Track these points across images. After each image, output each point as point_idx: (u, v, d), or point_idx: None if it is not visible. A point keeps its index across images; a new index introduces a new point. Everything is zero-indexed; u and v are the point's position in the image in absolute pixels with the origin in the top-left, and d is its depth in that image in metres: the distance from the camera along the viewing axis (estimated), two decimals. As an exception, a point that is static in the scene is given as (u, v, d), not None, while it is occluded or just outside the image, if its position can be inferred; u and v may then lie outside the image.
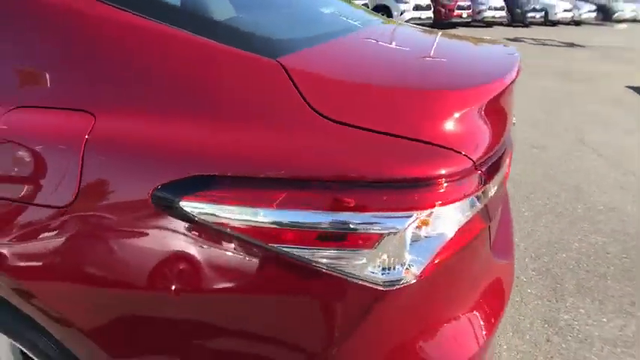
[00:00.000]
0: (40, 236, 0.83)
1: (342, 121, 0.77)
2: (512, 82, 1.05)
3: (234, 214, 0.73)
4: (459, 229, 0.80)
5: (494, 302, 0.95)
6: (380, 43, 1.17)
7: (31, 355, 1.00)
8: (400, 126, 0.77)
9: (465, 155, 0.78)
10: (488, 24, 16.48)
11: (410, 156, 0.75)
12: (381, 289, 0.74)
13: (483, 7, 15.63)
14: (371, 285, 0.74)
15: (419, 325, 0.81)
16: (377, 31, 1.30)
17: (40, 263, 0.84)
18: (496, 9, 15.96)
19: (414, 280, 0.76)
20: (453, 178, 0.76)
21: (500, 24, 16.81)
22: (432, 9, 14.21)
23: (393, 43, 1.21)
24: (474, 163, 0.80)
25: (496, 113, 0.97)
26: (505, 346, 1.82)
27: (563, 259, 2.42)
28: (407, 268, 0.76)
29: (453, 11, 14.70)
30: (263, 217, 0.73)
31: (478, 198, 0.83)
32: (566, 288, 2.19)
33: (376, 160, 0.74)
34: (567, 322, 1.97)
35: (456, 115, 0.82)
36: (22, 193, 0.85)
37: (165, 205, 0.75)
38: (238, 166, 0.74)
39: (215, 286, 0.76)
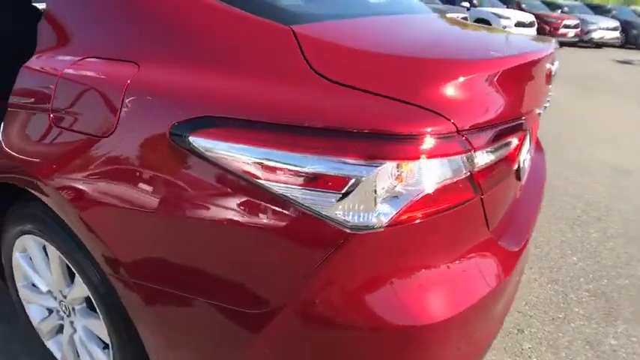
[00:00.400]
0: (87, 159, 1.02)
1: (334, 79, 0.87)
2: (528, 65, 1.07)
3: (229, 150, 0.85)
4: (434, 190, 0.85)
5: (474, 282, 0.97)
6: (399, 25, 1.24)
7: (73, 270, 1.20)
8: (384, 87, 0.85)
9: (446, 118, 0.84)
10: (597, 45, 15.34)
11: (388, 112, 0.83)
12: (348, 231, 0.82)
13: (593, 27, 14.59)
14: (338, 227, 0.82)
15: (381, 275, 0.87)
16: (407, 18, 1.37)
17: (84, 183, 1.03)
18: (608, 29, 14.82)
19: (381, 229, 0.83)
20: (428, 137, 0.82)
21: (612, 45, 15.58)
22: (536, 26, 13.57)
23: (413, 26, 1.28)
24: (457, 128, 0.85)
25: (505, 92, 1.00)
26: (535, 359, 1.76)
27: (625, 285, 2.26)
28: (375, 217, 0.83)
29: (558, 29, 13.90)
30: (252, 154, 0.85)
31: (460, 164, 0.87)
32: (620, 314, 2.05)
33: (356, 113, 0.82)
34: (613, 347, 1.85)
35: (446, 82, 0.88)
36: (77, 123, 1.05)
37: (178, 139, 0.90)
38: (239, 111, 0.87)
39: (206, 211, 0.89)
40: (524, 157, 1.36)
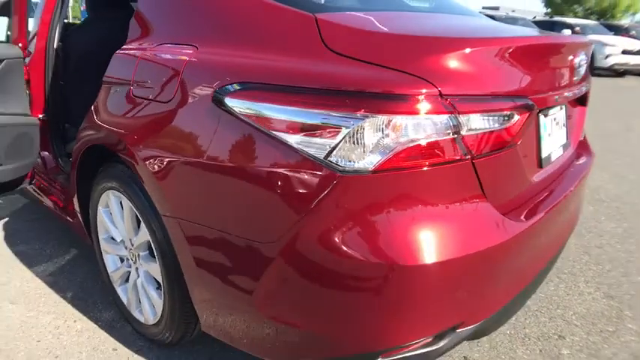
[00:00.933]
0: (152, 121, 1.32)
1: (341, 52, 1.07)
2: (530, 48, 1.19)
3: (254, 108, 1.09)
4: (419, 144, 1.01)
5: (462, 238, 1.07)
6: (418, 18, 1.42)
7: (140, 218, 1.49)
8: (381, 58, 1.04)
9: (431, 84, 1.00)
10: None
11: (380, 77, 1.01)
12: (339, 174, 1.00)
13: None
14: (332, 170, 1.01)
15: (366, 215, 1.02)
16: (434, 15, 1.54)
17: (150, 140, 1.33)
18: None
19: (368, 174, 1.00)
20: (412, 97, 0.98)
21: None
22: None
23: (432, 19, 1.44)
24: (441, 92, 1.01)
25: (501, 70, 1.14)
26: (573, 364, 1.74)
27: (694, 310, 2.11)
28: (363, 163, 1.00)
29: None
30: (272, 111, 1.07)
31: (444, 124, 1.02)
32: (682, 336, 1.93)
33: (355, 77, 1.02)
34: (664, 365, 1.77)
35: (434, 55, 1.04)
36: (148, 93, 1.36)
37: (218, 101, 1.15)
38: (264, 77, 1.11)
39: (233, 158, 1.13)
40: (549, 146, 1.44)
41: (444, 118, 1.02)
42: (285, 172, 1.06)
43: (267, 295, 1.15)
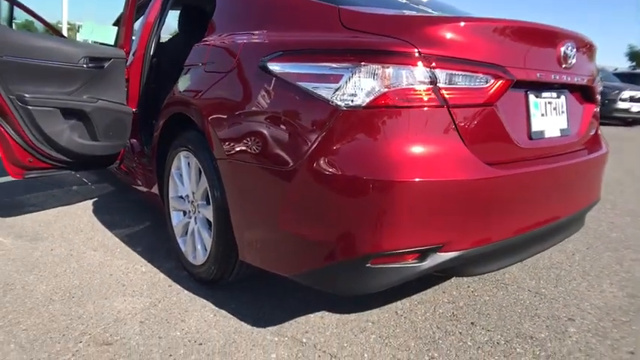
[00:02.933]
0: (217, 88, 1.84)
1: (352, 28, 1.53)
2: (510, 28, 1.58)
3: (287, 67, 1.57)
4: (402, 88, 1.41)
5: (438, 167, 1.43)
6: (420, 8, 1.86)
7: (202, 170, 1.99)
8: (379, 29, 1.48)
9: (413, 45, 1.42)
10: None
11: (376, 40, 1.45)
12: (341, 110, 1.43)
13: None
14: (336, 107, 1.44)
15: (358, 143, 1.42)
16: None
17: (214, 101, 1.86)
18: None
19: (362, 109, 1.41)
20: (397, 53, 1.41)
21: None
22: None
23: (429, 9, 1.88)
24: (420, 51, 1.42)
25: (480, 44, 1.53)
26: (575, 339, 1.93)
27: None
28: (355, 101, 1.42)
29: None
30: (297, 68, 1.54)
31: (422, 74, 1.42)
32: None
33: (358, 41, 1.47)
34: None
35: (417, 27, 1.46)
36: (216, 68, 1.90)
37: (263, 67, 1.64)
38: (295, 46, 1.59)
39: (270, 107, 1.60)
40: (541, 124, 1.77)
41: (420, 70, 1.42)
42: (305, 112, 1.51)
43: (287, 212, 1.57)
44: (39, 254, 2.43)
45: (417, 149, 1.44)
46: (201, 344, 1.76)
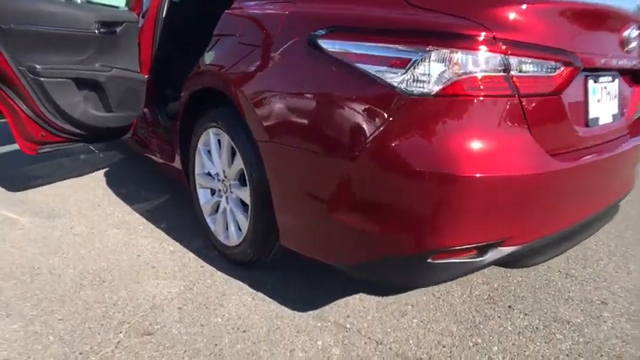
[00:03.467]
0: (255, 62, 1.72)
1: (418, 5, 1.41)
2: (581, 12, 1.47)
3: (343, 46, 1.45)
4: (474, 76, 1.32)
5: (506, 160, 1.36)
6: None
7: (236, 149, 1.89)
8: (449, 8, 1.36)
9: (487, 28, 1.32)
10: None
11: (446, 21, 1.34)
12: (409, 97, 1.33)
13: None
14: (403, 93, 1.34)
15: (424, 133, 1.34)
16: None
17: (253, 78, 1.73)
18: None
19: (430, 97, 1.32)
20: (470, 36, 1.30)
21: None
22: None
23: None
24: (494, 35, 1.32)
25: (551, 26, 1.43)
26: (611, 324, 1.95)
27: None
28: (425, 88, 1.32)
29: None
30: (356, 48, 1.42)
31: (496, 61, 1.32)
32: None
33: (426, 21, 1.35)
34: None
35: (492, 7, 1.35)
36: (254, 40, 1.77)
37: (313, 44, 1.52)
38: (353, 23, 1.47)
39: (322, 87, 1.49)
40: (597, 110, 1.70)
41: (496, 57, 1.33)
42: (364, 97, 1.41)
43: (341, 203, 1.50)
44: (59, 233, 2.34)
45: (487, 142, 1.36)
46: (245, 331, 1.72)
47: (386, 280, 1.60)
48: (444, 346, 1.73)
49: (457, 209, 1.35)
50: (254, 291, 1.95)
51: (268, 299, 1.91)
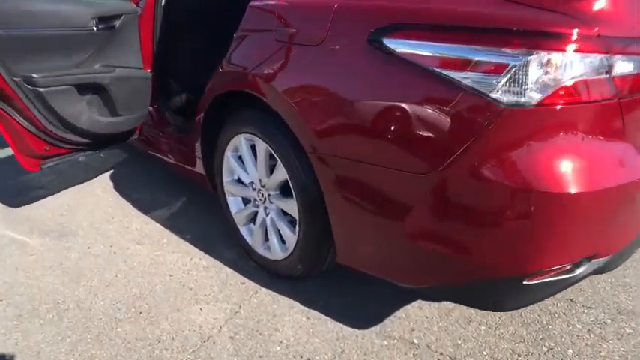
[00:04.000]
0: (300, 63, 1.50)
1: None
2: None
3: (416, 47, 1.24)
4: (577, 81, 1.14)
5: (606, 172, 1.21)
6: None
7: (278, 159, 1.69)
8: (545, 2, 1.16)
9: (589, 25, 1.13)
10: None
11: (545, 18, 1.14)
12: (504, 108, 1.15)
13: None
14: (497, 104, 1.15)
15: (521, 149, 1.17)
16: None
17: (298, 82, 1.52)
18: None
19: (530, 107, 1.14)
20: (572, 36, 1.11)
21: None
22: None
23: None
24: (598, 33, 1.13)
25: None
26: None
27: None
28: (525, 97, 1.14)
29: None
30: (436, 49, 1.22)
31: (599, 63, 1.14)
32: None
33: (521, 18, 1.15)
34: None
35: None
36: (292, 37, 1.55)
37: (375, 43, 1.31)
38: (429, 19, 1.25)
39: (391, 94, 1.29)
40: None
41: (599, 58, 1.15)
42: (448, 107, 1.22)
43: (420, 224, 1.33)
44: (76, 256, 2.13)
45: (592, 153, 1.20)
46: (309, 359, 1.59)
47: (471, 304, 1.47)
48: (519, 355, 1.62)
49: (564, 228, 1.21)
50: (306, 308, 1.81)
51: (324, 317, 1.76)
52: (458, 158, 1.21)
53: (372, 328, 1.72)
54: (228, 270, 2.02)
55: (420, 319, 1.76)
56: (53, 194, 2.63)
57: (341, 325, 1.73)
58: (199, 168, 2.19)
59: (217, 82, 1.87)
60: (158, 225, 2.35)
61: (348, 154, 1.41)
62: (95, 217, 2.42)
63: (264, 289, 1.91)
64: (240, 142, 1.86)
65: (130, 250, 2.16)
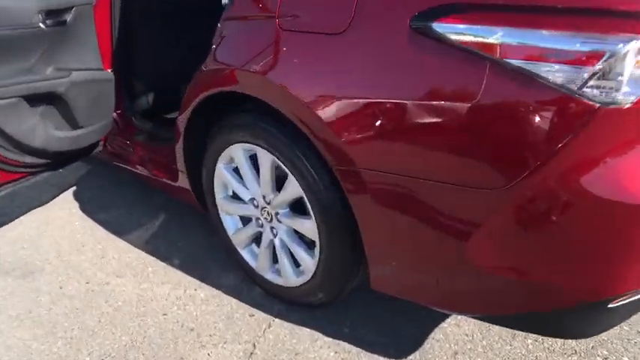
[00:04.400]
0: (318, 57, 1.21)
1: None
2: None
3: (475, 32, 0.98)
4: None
5: None
6: None
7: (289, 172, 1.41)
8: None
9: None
10: None
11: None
12: (597, 106, 0.92)
13: None
14: (588, 101, 0.92)
15: (623, 154, 0.96)
16: None
17: (315, 80, 1.23)
18: None
19: (628, 106, 0.91)
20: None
21: None
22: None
23: None
24: None
25: None
26: None
27: None
28: (623, 93, 0.91)
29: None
30: (506, 36, 0.96)
31: None
32: None
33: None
34: None
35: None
36: (305, 25, 1.25)
37: (420, 27, 1.04)
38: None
39: (446, 90, 1.04)
40: None
41: None
42: (522, 107, 0.97)
43: (491, 247, 1.10)
44: (48, 299, 1.78)
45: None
46: (348, 406, 1.35)
47: (546, 333, 1.26)
48: (575, 368, 1.45)
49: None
50: (332, 340, 1.56)
51: (354, 349, 1.52)
52: (539, 169, 0.98)
53: (411, 357, 1.50)
54: (232, 301, 1.74)
55: (461, 339, 1.55)
56: (11, 222, 2.22)
57: (376, 357, 1.50)
58: (183, 182, 1.88)
59: (203, 82, 1.55)
60: (138, 251, 2.03)
61: (392, 168, 1.15)
62: (63, 246, 2.07)
63: (277, 320, 1.64)
64: (238, 152, 1.57)
65: (110, 286, 1.83)
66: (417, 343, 1.54)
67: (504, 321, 1.24)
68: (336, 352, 1.51)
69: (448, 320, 1.62)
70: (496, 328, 1.58)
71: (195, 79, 1.60)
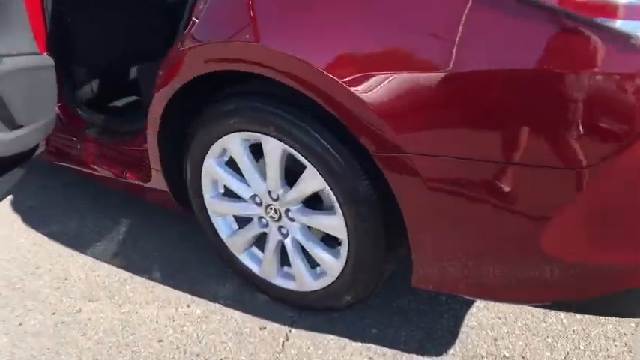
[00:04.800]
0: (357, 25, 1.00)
1: None
2: None
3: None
4: None
5: None
6: None
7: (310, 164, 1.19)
8: None
9: None
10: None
11: None
12: None
13: None
14: None
15: None
16: None
17: (351, 57, 1.01)
18: None
19: None
20: None
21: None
22: None
23: None
24: None
25: None
26: None
27: None
28: None
29: None
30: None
31: None
32: None
33: None
34: None
35: None
36: None
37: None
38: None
39: (513, 55, 0.87)
40: None
41: None
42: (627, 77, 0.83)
43: (565, 232, 0.96)
44: (7, 341, 1.44)
45: None
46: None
47: (623, 314, 1.17)
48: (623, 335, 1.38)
49: None
50: (361, 344, 1.39)
51: (389, 351, 1.36)
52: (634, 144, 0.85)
53: (452, 351, 1.36)
54: (234, 313, 1.50)
55: (495, 322, 1.44)
56: None
57: (414, 356, 1.35)
58: (158, 183, 1.58)
59: (185, 64, 1.26)
60: (108, 266, 1.71)
61: (452, 151, 0.97)
62: (12, 270, 1.70)
63: (294, 329, 1.44)
64: (234, 143, 1.31)
65: (83, 314, 1.53)
66: (452, 334, 1.41)
67: (576, 306, 1.14)
68: (370, 359, 1.35)
69: (476, 304, 1.50)
70: (541, 325, 1.47)
71: (169, 60, 1.32)
